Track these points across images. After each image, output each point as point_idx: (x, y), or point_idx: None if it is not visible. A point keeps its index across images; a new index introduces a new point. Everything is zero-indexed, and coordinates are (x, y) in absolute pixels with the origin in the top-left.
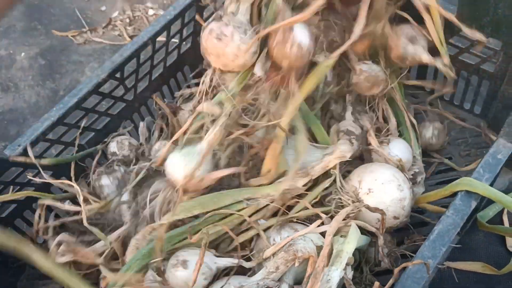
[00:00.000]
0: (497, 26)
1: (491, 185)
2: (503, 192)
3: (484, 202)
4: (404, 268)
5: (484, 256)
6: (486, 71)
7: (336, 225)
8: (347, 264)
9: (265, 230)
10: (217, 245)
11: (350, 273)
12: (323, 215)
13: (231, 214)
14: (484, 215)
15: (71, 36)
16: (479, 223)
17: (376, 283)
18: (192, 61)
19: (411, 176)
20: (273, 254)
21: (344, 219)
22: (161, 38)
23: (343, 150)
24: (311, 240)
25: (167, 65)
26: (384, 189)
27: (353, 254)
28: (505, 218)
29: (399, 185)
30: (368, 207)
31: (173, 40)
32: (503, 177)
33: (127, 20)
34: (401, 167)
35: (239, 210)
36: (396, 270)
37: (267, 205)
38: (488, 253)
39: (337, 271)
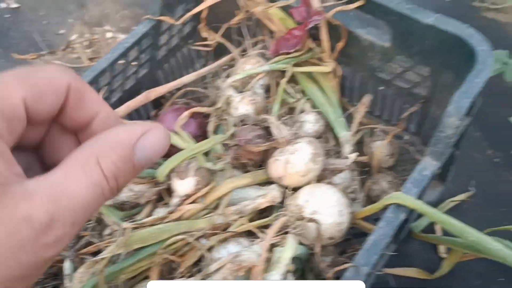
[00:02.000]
0: (425, 54)
1: (420, 198)
2: (436, 202)
3: (418, 213)
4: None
5: (419, 262)
6: (418, 94)
7: (272, 233)
8: (288, 271)
9: (209, 249)
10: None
11: (291, 279)
12: (255, 230)
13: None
14: (418, 225)
15: (31, 59)
16: (413, 232)
17: None
18: (149, 85)
19: (351, 194)
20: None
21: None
22: (121, 61)
23: (274, 195)
24: (256, 251)
25: (125, 89)
26: (326, 213)
27: (295, 263)
28: (437, 228)
29: (340, 210)
30: (302, 218)
31: (132, 63)
32: (435, 189)
33: (86, 43)
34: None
35: (176, 242)
36: (328, 275)
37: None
38: (423, 259)
39: (276, 276)
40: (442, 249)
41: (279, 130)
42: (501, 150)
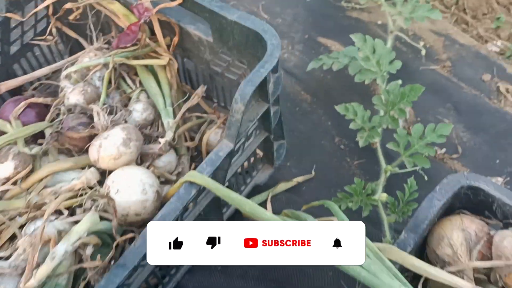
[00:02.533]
0: (239, 48)
1: (214, 176)
2: (265, 183)
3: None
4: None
5: None
6: None
7: (54, 206)
8: (86, 244)
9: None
10: None
11: (90, 250)
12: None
13: None
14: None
15: None
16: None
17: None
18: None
19: (175, 177)
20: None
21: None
22: None
23: (88, 177)
24: (54, 226)
25: None
26: (129, 191)
27: (104, 237)
28: (268, 206)
29: (144, 189)
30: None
31: None
32: (264, 172)
33: None
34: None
35: None
36: (114, 244)
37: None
38: None
39: (63, 246)
40: None
41: (99, 118)
42: (347, 138)
